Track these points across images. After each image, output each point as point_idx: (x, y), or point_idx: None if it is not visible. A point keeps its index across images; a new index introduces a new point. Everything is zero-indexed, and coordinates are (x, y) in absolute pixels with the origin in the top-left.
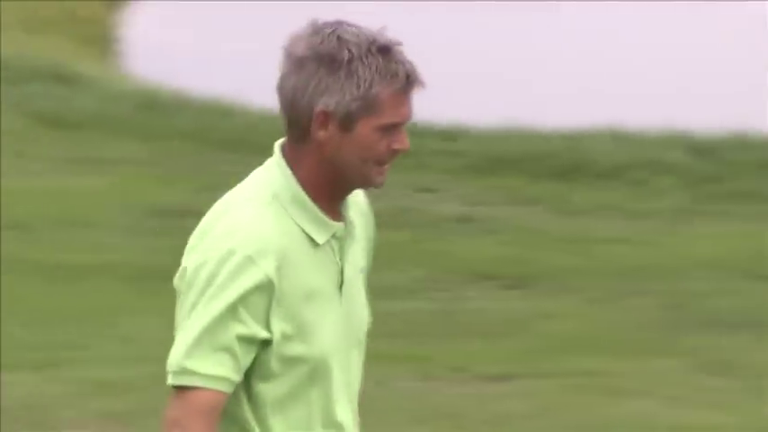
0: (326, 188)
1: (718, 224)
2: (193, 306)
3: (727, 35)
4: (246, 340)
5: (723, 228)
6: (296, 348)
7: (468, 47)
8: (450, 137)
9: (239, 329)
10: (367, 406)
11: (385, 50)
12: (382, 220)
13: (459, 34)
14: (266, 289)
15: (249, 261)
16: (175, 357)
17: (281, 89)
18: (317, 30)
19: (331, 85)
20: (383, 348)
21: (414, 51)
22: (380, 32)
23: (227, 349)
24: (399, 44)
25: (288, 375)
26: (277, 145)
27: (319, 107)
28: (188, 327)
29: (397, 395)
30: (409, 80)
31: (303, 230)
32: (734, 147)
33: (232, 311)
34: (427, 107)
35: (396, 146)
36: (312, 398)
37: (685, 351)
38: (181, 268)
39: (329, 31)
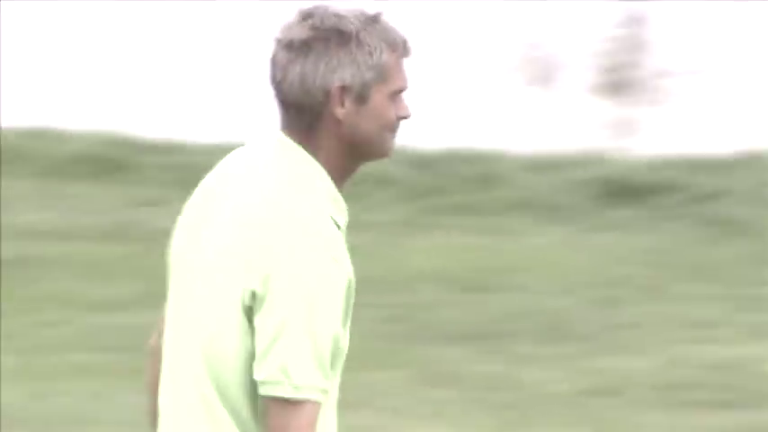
0: (346, 167)
1: (438, 237)
2: (292, 315)
3: None
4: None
5: (443, 240)
6: (342, 341)
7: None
8: (168, 150)
9: (336, 333)
10: (87, 418)
11: (379, 19)
12: (101, 235)
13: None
14: (349, 288)
15: (334, 262)
16: (285, 370)
17: (284, 79)
18: (308, 14)
19: (343, 59)
20: (99, 361)
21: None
22: (362, 5)
23: (329, 358)
24: (384, 13)
25: (332, 368)
26: (282, 134)
27: (336, 84)
28: (291, 338)
29: (115, 408)
30: (405, 46)
31: (332, 218)
32: (453, 160)
33: (330, 315)
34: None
35: (401, 112)
36: (336, 384)
37: (407, 363)
38: (262, 275)
39: (321, 11)
